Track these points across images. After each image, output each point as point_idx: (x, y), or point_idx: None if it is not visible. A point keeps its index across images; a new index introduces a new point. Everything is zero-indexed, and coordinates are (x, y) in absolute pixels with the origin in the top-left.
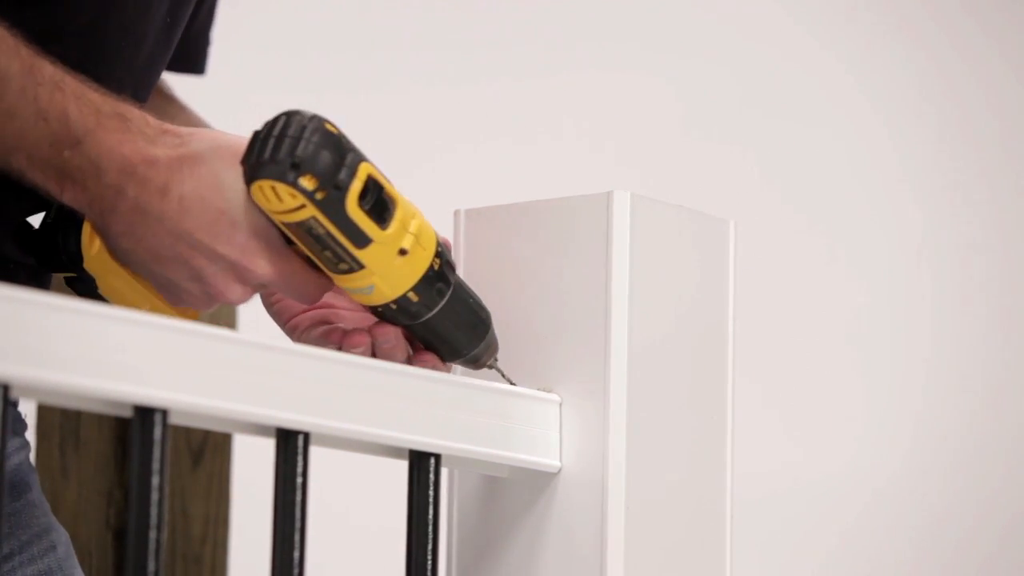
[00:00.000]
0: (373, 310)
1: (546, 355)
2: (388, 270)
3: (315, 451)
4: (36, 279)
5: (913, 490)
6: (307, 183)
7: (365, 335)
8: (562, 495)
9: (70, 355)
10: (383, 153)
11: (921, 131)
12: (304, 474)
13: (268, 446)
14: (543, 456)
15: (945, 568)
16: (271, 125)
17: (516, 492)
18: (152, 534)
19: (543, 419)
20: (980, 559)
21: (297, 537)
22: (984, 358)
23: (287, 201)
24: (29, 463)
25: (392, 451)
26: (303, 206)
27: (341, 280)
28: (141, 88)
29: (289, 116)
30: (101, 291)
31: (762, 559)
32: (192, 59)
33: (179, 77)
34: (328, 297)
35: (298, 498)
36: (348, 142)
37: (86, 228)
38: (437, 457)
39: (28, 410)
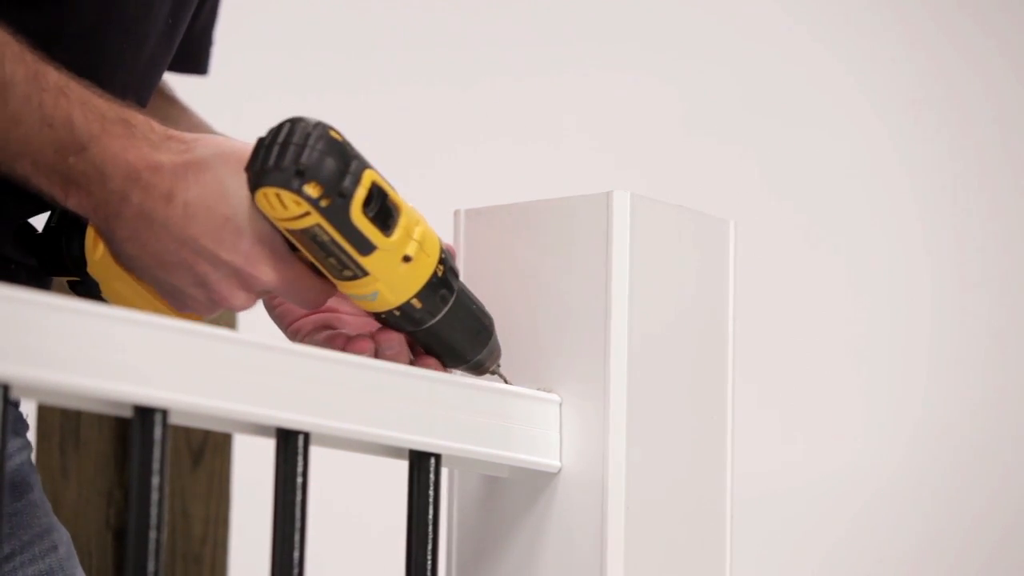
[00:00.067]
0: (376, 316)
1: (546, 355)
2: (392, 277)
3: (315, 451)
4: (37, 280)
5: (913, 490)
6: (311, 190)
7: (368, 341)
8: (562, 495)
9: (70, 355)
10: (383, 153)
11: (921, 131)
12: (304, 474)
13: (268, 446)
14: (543, 456)
15: (945, 568)
16: (275, 132)
17: (516, 492)
18: (152, 534)
19: (543, 419)
20: (980, 559)
21: (297, 537)
22: (984, 358)
23: (291, 208)
24: (31, 463)
25: (392, 451)
26: (307, 213)
27: (345, 286)
28: (143, 89)
29: (293, 123)
30: (105, 295)
31: (762, 559)
32: (194, 59)
33: (180, 77)
34: (331, 302)
35: (298, 498)
36: (352, 149)
37: (90, 232)
38: (437, 457)
39: (28, 410)
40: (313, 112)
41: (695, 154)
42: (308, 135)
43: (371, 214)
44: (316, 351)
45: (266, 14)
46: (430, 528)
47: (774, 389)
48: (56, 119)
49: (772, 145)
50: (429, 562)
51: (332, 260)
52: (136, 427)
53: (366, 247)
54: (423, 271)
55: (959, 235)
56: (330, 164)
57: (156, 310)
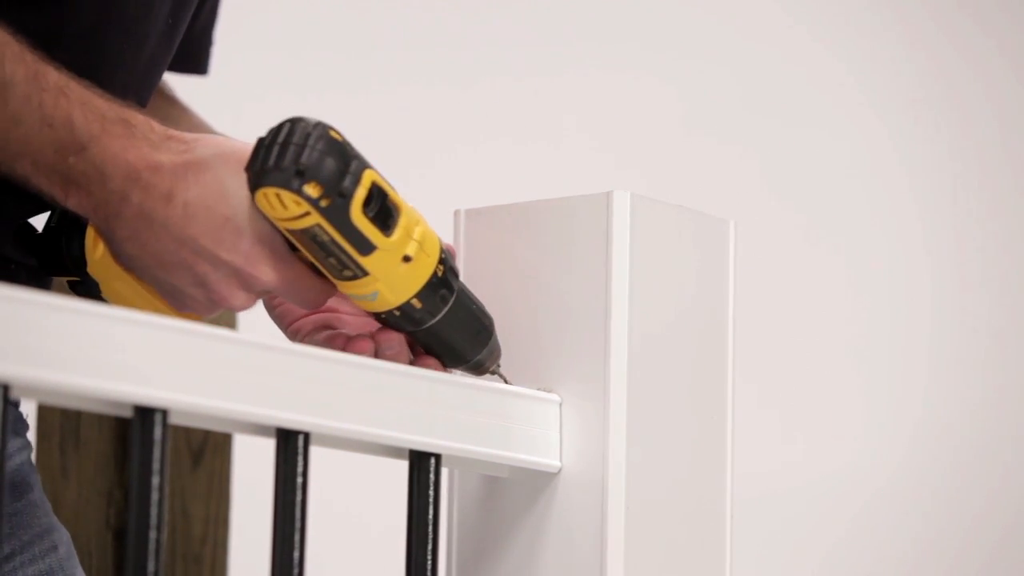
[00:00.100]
0: (376, 316)
1: (546, 355)
2: (392, 277)
3: (315, 451)
4: (37, 280)
5: (913, 490)
6: (311, 190)
7: (368, 341)
8: (562, 495)
9: (70, 355)
10: (383, 153)
11: (921, 131)
12: (304, 474)
13: (268, 446)
14: (543, 456)
15: (945, 568)
16: (275, 132)
17: (516, 492)
18: (152, 534)
19: (543, 419)
20: (980, 559)
21: (297, 537)
22: (984, 358)
23: (291, 208)
24: (31, 463)
25: (392, 451)
26: (307, 213)
27: (345, 286)
28: (143, 90)
29: (293, 123)
30: (105, 295)
31: (762, 559)
32: (194, 59)
33: (180, 77)
34: (331, 302)
35: (298, 498)
36: (352, 149)
37: (90, 232)
38: (437, 457)
39: (28, 410)
40: (313, 112)
41: (695, 154)
42: (308, 135)
43: (371, 214)
44: (316, 351)
45: (266, 14)
46: (430, 528)
47: (774, 389)
48: (56, 119)
49: (772, 145)
50: (429, 562)
51: (332, 260)
52: (136, 427)
53: (366, 247)
54: (423, 271)
55: (959, 235)
56: (330, 164)
57: (156, 310)
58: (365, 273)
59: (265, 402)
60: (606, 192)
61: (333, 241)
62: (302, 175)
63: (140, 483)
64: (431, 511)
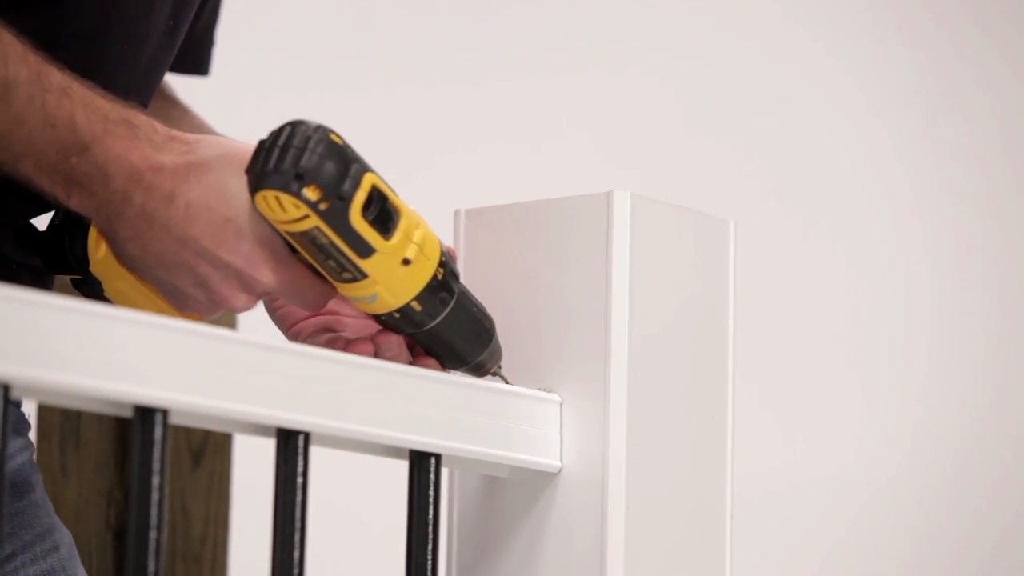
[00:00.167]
0: (377, 318)
1: (546, 355)
2: (391, 280)
3: (315, 451)
4: (39, 280)
5: (912, 490)
6: (311, 194)
7: (368, 344)
8: (562, 495)
9: (70, 355)
10: (383, 154)
11: (921, 131)
12: (304, 474)
13: (268, 446)
14: (543, 456)
15: (944, 568)
16: (276, 135)
17: (516, 492)
18: (152, 534)
19: (543, 419)
20: (980, 559)
21: (297, 537)
22: (983, 358)
23: (291, 211)
24: (32, 463)
25: (392, 451)
26: (307, 216)
27: (345, 289)
28: (144, 90)
29: (294, 126)
30: (107, 294)
31: (762, 559)
32: (196, 60)
33: (180, 77)
34: (332, 304)
35: (298, 498)
36: (353, 152)
37: (92, 232)
38: (437, 457)
39: (28, 410)
40: (313, 113)
41: (695, 154)
42: (308, 138)
43: (370, 217)
44: (316, 351)
45: (266, 14)
46: (430, 528)
47: (774, 389)
48: (59, 120)
49: (772, 145)
50: (429, 562)
51: (331, 263)
52: (136, 427)
53: (365, 250)
54: (423, 274)
55: (959, 235)
56: (330, 167)
57: (158, 310)
58: (364, 276)
59: (265, 402)
60: (606, 192)
61: (332, 244)
62: (301, 178)
63: (140, 483)
64: (431, 511)
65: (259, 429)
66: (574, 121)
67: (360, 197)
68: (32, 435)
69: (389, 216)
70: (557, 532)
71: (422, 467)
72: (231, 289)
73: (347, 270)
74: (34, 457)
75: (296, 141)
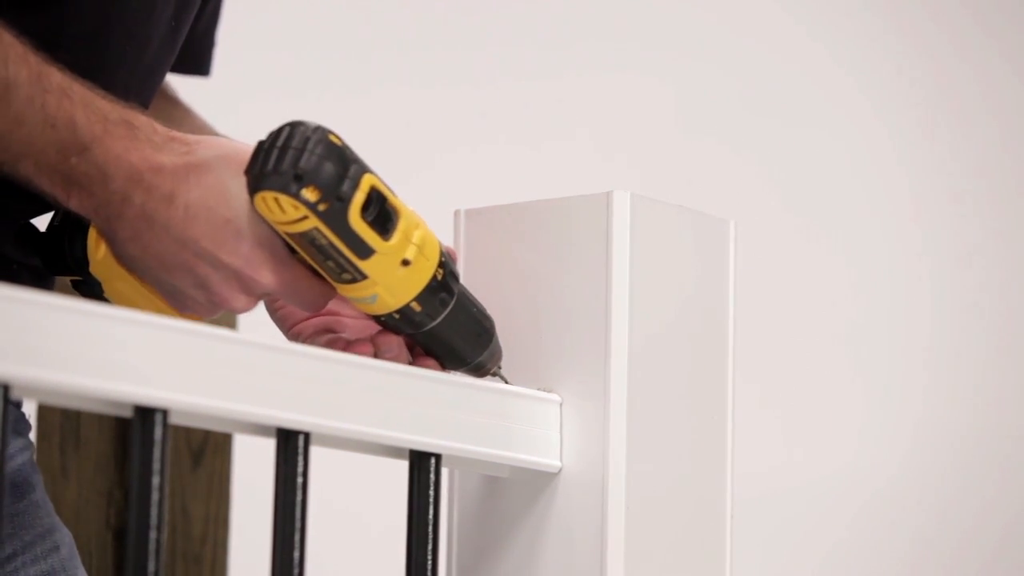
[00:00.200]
0: (376, 319)
1: (546, 355)
2: (391, 280)
3: (315, 451)
4: (40, 280)
5: (912, 490)
6: (310, 195)
7: (368, 345)
8: (562, 495)
9: (70, 355)
10: (383, 154)
11: (921, 131)
12: (304, 474)
13: (268, 446)
14: (543, 456)
15: (945, 568)
16: (275, 136)
17: (516, 492)
18: (152, 534)
19: (543, 419)
20: (980, 559)
21: (297, 537)
22: (983, 358)
23: (290, 212)
24: (33, 463)
25: (392, 451)
26: (306, 217)
27: (344, 290)
28: (145, 91)
29: (293, 127)
30: (107, 295)
31: (762, 559)
32: (197, 60)
33: (181, 78)
34: (333, 305)
35: (298, 498)
36: (352, 153)
37: (92, 233)
38: (438, 457)
39: (28, 410)
40: (313, 113)
41: (695, 154)
42: (307, 139)
43: (370, 218)
44: (316, 351)
45: (266, 14)
46: (430, 528)
47: (774, 389)
48: (59, 120)
49: (772, 145)
50: (429, 562)
51: (331, 264)
52: (136, 427)
53: (364, 251)
54: (422, 275)
55: (959, 235)
56: (328, 168)
57: (158, 311)
58: (364, 277)
59: (265, 402)
60: (606, 192)
61: (331, 245)
62: (300, 179)
63: (140, 483)
64: (431, 511)
65: (259, 429)
66: (574, 121)
67: (359, 198)
68: (32, 435)
69: (388, 217)
70: (557, 532)
71: (422, 467)
72: (231, 290)
73: (346, 271)
74: (34, 457)
75: (295, 142)
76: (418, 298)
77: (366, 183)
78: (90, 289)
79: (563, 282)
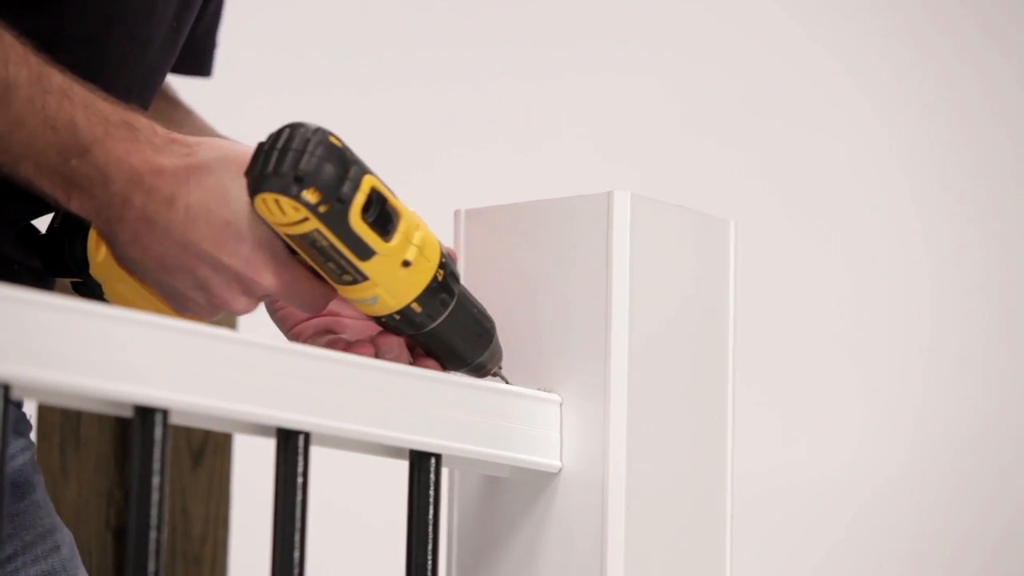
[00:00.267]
0: (377, 320)
1: (546, 355)
2: (391, 282)
3: (315, 451)
4: (41, 281)
5: (913, 489)
6: (310, 196)
7: (368, 346)
8: (562, 495)
9: (70, 355)
10: (383, 154)
11: (921, 131)
12: (304, 474)
13: (268, 446)
14: (543, 456)
15: (944, 568)
16: (275, 137)
17: (516, 492)
18: (152, 534)
19: (543, 419)
20: (980, 559)
21: (297, 537)
22: (983, 358)
23: (290, 214)
24: (33, 463)
25: (392, 451)
26: (306, 219)
27: (345, 291)
28: (146, 92)
29: (293, 128)
30: (107, 297)
31: (762, 558)
32: (198, 61)
33: (182, 78)
34: (333, 306)
35: (298, 498)
36: (352, 155)
37: (92, 235)
38: (438, 457)
39: (28, 411)
40: (313, 113)
41: (695, 154)
42: (307, 141)
43: (370, 219)
44: (316, 351)
45: (266, 14)
46: (430, 528)
47: (774, 389)
48: (59, 122)
49: (772, 145)
50: (429, 562)
51: (331, 265)
52: (136, 427)
53: (365, 252)
54: (423, 276)
55: (959, 235)
56: (329, 170)
57: (159, 312)
58: (364, 278)
59: (265, 402)
60: (606, 192)
61: (332, 246)
62: (301, 181)
63: (140, 483)
64: (431, 511)
65: (259, 429)
66: (574, 121)
67: (359, 199)
68: (32, 435)
69: (388, 218)
70: (557, 532)
71: (422, 467)
72: (231, 292)
73: (347, 272)
74: (35, 457)
75: (295, 144)
76: (419, 299)
77: (366, 184)
78: (90, 291)
79: (563, 282)
